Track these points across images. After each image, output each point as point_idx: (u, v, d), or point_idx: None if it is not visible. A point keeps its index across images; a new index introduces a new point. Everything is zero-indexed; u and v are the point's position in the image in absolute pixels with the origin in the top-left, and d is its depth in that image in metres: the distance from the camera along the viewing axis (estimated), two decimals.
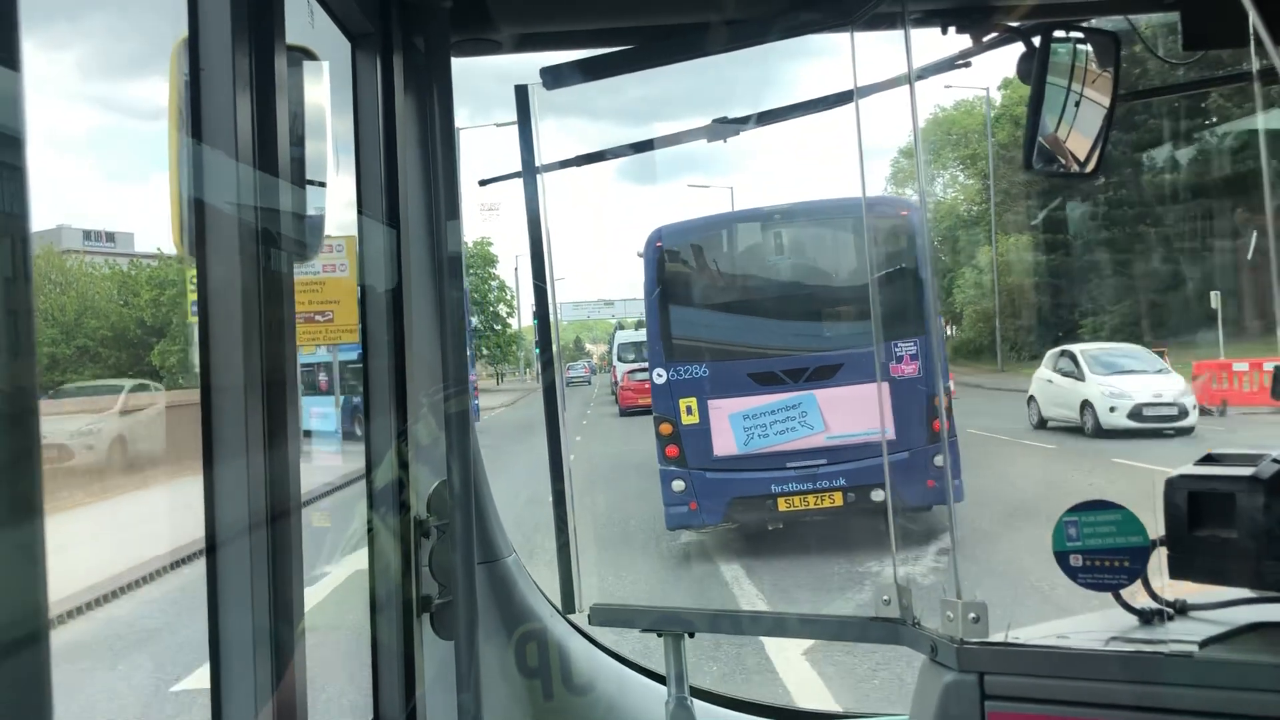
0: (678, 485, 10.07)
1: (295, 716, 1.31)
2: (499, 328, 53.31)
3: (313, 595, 1.46)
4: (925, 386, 9.79)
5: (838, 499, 9.91)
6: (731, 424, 10.36)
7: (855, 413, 9.95)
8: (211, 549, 1.26)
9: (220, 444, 1.25)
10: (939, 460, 9.32)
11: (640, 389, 28.44)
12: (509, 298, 53.74)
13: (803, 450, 10.16)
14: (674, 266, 10.71)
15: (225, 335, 1.26)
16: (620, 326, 52.29)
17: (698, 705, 1.96)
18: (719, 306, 10.73)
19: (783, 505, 10.19)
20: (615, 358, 38.44)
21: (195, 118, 1.26)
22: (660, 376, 10.25)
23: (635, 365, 32.24)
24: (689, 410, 10.18)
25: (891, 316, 10.12)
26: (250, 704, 1.26)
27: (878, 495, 9.67)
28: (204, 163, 1.26)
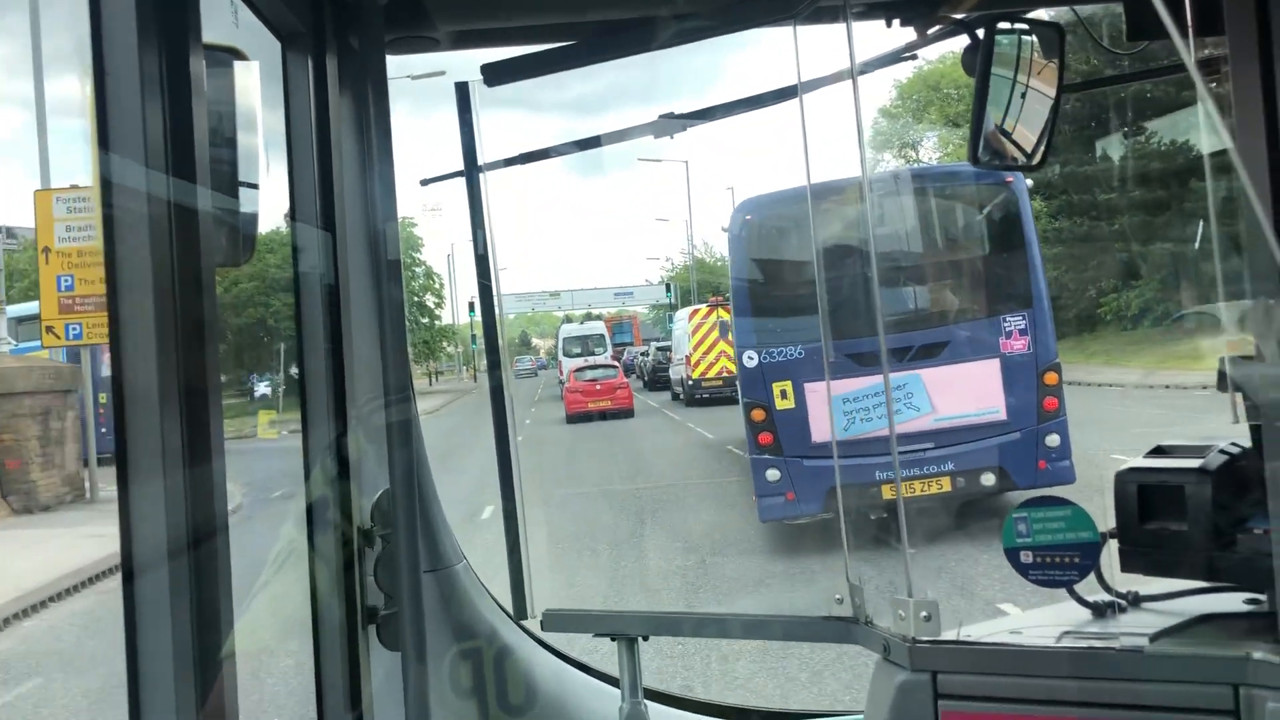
0: (772, 475, 10.12)
1: None
2: (425, 319, 49.63)
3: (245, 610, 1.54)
4: (1036, 362, 9.64)
5: (946, 484, 9.86)
6: (831, 408, 10.36)
7: (964, 392, 9.86)
8: (128, 570, 1.28)
9: (136, 455, 1.28)
10: (1051, 440, 9.17)
11: (590, 391, 26.34)
12: (437, 286, 51.23)
13: (909, 434, 10.08)
14: (764, 241, 10.71)
15: (140, 342, 1.29)
16: (568, 319, 50.81)
17: (652, 708, 2.05)
18: (814, 282, 10.71)
19: (888, 493, 10.16)
20: (561, 353, 36.59)
21: (102, 120, 1.29)
22: (751, 359, 10.29)
23: (583, 362, 30.74)
24: (783, 394, 10.20)
25: (998, 289, 9.97)
26: None
27: (987, 479, 9.59)
28: (112, 166, 1.30)
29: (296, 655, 1.98)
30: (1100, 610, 1.71)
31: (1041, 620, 1.74)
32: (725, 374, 23.41)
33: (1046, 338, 9.75)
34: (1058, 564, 1.71)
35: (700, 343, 25.20)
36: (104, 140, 1.30)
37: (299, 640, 1.95)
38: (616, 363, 31.86)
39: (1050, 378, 9.79)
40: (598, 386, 26.69)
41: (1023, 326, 9.79)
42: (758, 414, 10.27)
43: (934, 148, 39.86)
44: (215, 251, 1.42)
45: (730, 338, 24.40)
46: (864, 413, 10.20)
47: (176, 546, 1.30)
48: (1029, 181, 10.60)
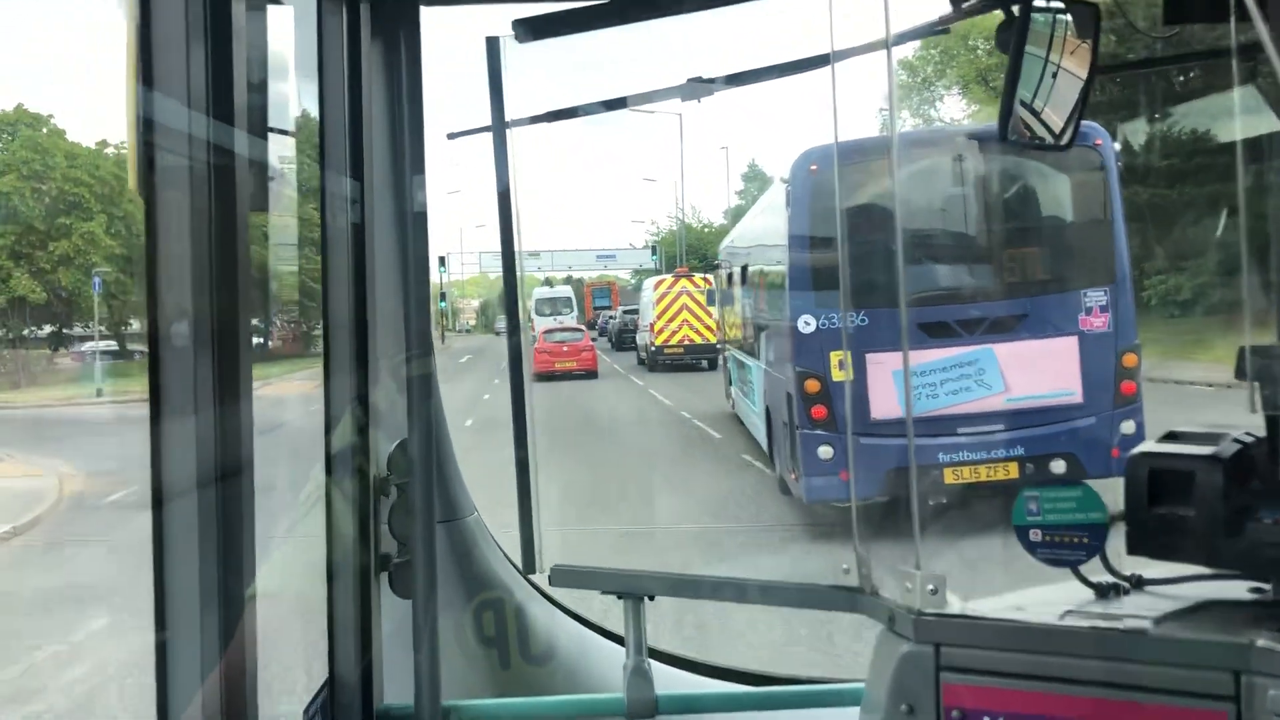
0: (825, 452, 9.89)
1: (245, 677, 1.45)
2: None
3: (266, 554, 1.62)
4: (1115, 342, 9.51)
5: (1013, 470, 9.76)
6: (895, 382, 10.21)
7: (1039, 371, 9.74)
8: (158, 504, 1.39)
9: (168, 392, 1.38)
10: (1127, 427, 9.08)
11: (557, 352, 28.22)
12: None
13: (977, 414, 9.95)
14: (829, 195, 10.17)
15: (175, 282, 1.38)
16: (549, 282, 50.68)
17: (656, 668, 2.14)
18: (883, 244, 10.38)
19: (949, 477, 10.04)
20: (534, 313, 37.46)
21: (146, 63, 1.37)
22: (808, 325, 10.02)
23: (554, 323, 32.94)
24: (841, 365, 9.84)
25: (1082, 260, 9.82)
26: (196, 664, 1.39)
27: (1058, 466, 9.51)
28: (156, 109, 1.38)
29: (310, 598, 2.13)
30: (1104, 591, 1.78)
31: (1046, 598, 1.81)
32: (686, 342, 26.73)
33: (1128, 316, 9.59)
34: (1065, 544, 1.79)
35: (664, 311, 27.18)
36: (147, 79, 1.38)
37: (313, 582, 2.07)
38: (583, 328, 34.53)
39: (1129, 359, 9.62)
40: (564, 348, 28.78)
41: (1104, 303, 9.62)
42: (811, 385, 10.01)
43: (959, 105, 38.91)
44: (249, 196, 1.51)
45: (710, 306, 24.95)
46: (930, 388, 10.05)
47: (205, 481, 1.41)
48: (1117, 146, 10.34)
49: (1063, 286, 10.00)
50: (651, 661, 2.15)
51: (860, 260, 10.19)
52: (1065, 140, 1.97)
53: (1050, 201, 10.43)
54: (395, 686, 2.17)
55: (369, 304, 2.07)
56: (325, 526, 2.05)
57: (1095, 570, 1.83)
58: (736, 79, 2.26)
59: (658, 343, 27.68)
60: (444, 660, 2.10)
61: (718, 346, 25.18)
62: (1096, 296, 9.65)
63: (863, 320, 9.94)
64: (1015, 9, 1.95)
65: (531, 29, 2.08)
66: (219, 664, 1.43)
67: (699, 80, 2.22)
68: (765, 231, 13.09)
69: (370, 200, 2.08)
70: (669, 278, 28.61)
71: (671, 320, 27.23)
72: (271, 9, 1.64)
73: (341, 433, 2.05)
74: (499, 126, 2.20)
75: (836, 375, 10.03)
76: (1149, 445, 1.80)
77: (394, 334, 2.15)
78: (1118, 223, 9.85)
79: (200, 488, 1.42)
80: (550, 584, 2.25)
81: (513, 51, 2.13)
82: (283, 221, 2.15)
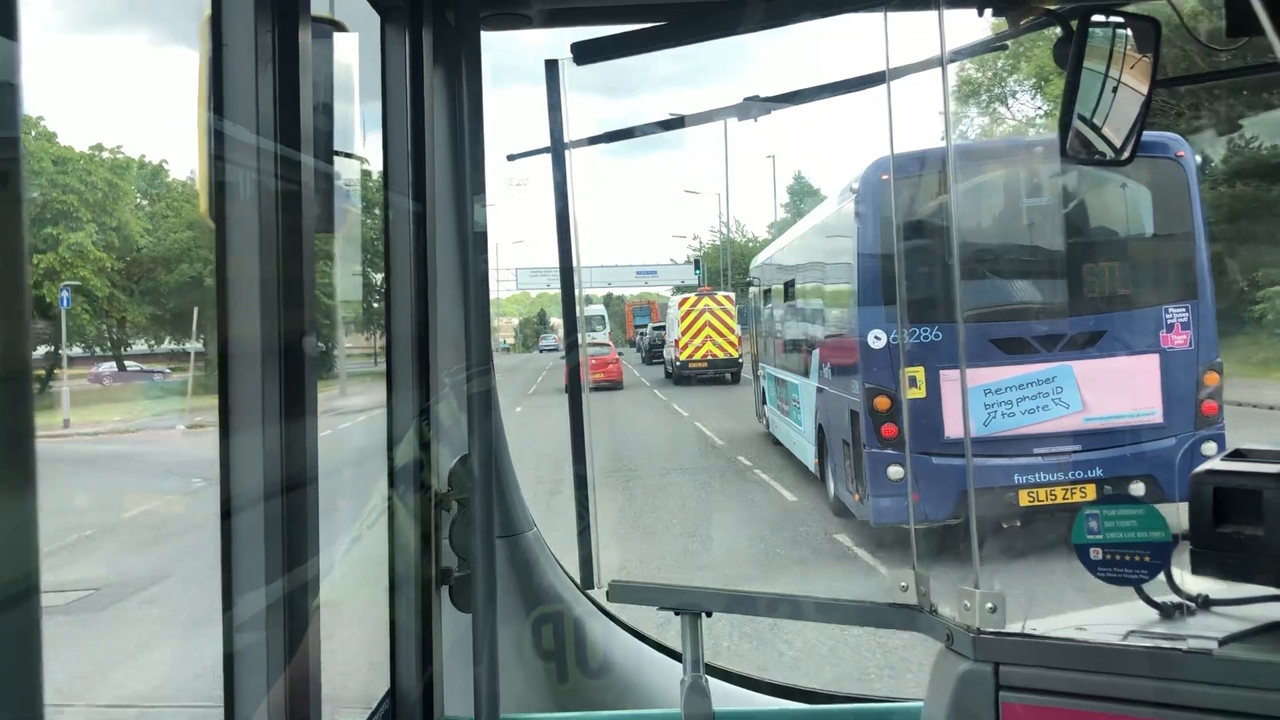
0: (895, 472, 9.67)
1: (309, 686, 1.50)
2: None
3: (331, 565, 1.68)
4: (1197, 360, 9.29)
5: (1090, 492, 9.53)
6: (970, 399, 10.03)
7: (1119, 389, 9.53)
8: (226, 515, 1.45)
9: (236, 412, 1.44)
10: (1208, 449, 8.82)
11: (586, 364, 30.24)
12: None
13: (1054, 434, 9.73)
14: (902, 205, 10.11)
15: (244, 304, 1.44)
16: (589, 300, 52.23)
17: (714, 684, 2.15)
18: (957, 256, 10.22)
19: (1024, 499, 9.84)
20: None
21: (217, 91, 1.43)
22: (878, 340, 9.87)
23: (583, 339, 35.44)
24: (913, 382, 9.58)
25: (1162, 275, 9.60)
26: (263, 673, 1.44)
27: (1137, 488, 9.26)
28: (226, 135, 1.43)
29: (372, 609, 2.19)
30: (1168, 611, 1.76)
31: (1108, 618, 1.80)
32: (709, 357, 28.84)
33: (1210, 333, 9.36)
34: (1127, 562, 1.78)
35: (689, 328, 29.19)
36: (218, 107, 1.44)
37: (375, 594, 2.12)
38: (610, 343, 38.42)
39: (1211, 378, 9.40)
40: (593, 360, 31.78)
41: (1185, 319, 9.41)
42: (881, 402, 9.82)
43: (1029, 104, 37.79)
44: (314, 218, 1.57)
45: (733, 323, 26.86)
46: (1006, 406, 9.86)
47: (272, 493, 1.47)
48: (1198, 158, 10.08)
49: (1143, 302, 9.79)
50: (709, 678, 2.16)
51: (931, 273, 9.94)
52: (1125, 155, 1.96)
53: (1130, 214, 10.22)
54: (454, 699, 2.21)
55: (431, 322, 2.12)
56: (388, 540, 2.09)
57: (1160, 590, 1.81)
58: (792, 97, 2.28)
59: (682, 357, 29.57)
60: (503, 673, 2.13)
61: (739, 361, 26.98)
62: (1178, 313, 9.44)
63: (937, 335, 9.78)
64: (1073, 24, 1.94)
65: (589, 52, 2.13)
66: (284, 672, 1.47)
67: (755, 99, 2.25)
68: (823, 244, 12.86)
69: (432, 220, 2.13)
70: (692, 296, 30.80)
71: (695, 336, 29.11)
72: (337, 36, 1.70)
73: (404, 448, 2.10)
74: (558, 147, 2.25)
75: (909, 392, 9.84)
76: (1214, 463, 1.78)
77: (455, 351, 2.20)
78: (1199, 236, 9.64)
79: (267, 499, 1.47)
80: (608, 599, 2.26)
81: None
82: (348, 242, 2.21)
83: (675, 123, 2.34)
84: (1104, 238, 10.12)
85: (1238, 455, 1.78)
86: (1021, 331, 9.84)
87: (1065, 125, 1.95)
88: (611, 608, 2.45)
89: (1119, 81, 1.94)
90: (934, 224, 10.10)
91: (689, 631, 2.14)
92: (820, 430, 12.74)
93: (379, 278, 2.14)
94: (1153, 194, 9.77)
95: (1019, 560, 9.62)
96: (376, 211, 2.16)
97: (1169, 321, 9.46)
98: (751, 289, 21.39)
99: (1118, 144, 1.96)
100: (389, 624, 2.09)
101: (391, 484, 2.10)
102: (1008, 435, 9.80)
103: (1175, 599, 1.78)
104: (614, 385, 31.93)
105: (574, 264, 2.34)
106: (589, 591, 2.44)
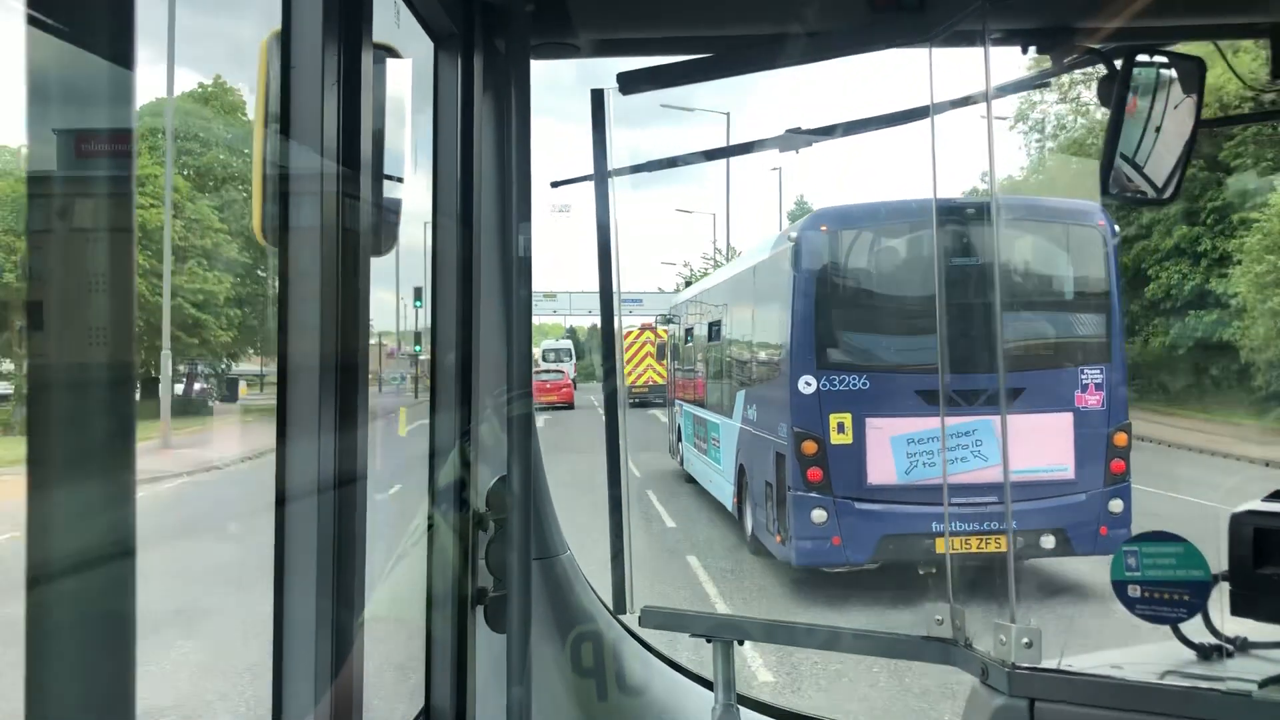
0: (818, 516, 9.84)
1: (352, 701, 1.50)
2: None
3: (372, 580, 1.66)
4: (1107, 421, 9.62)
5: (1003, 543, 9.73)
6: (893, 447, 10.20)
7: (1035, 445, 9.79)
8: (280, 529, 1.45)
9: (293, 427, 1.45)
10: (1115, 506, 9.13)
11: (542, 388, 36.52)
12: None
13: (972, 485, 9.94)
14: (837, 257, 10.29)
15: (302, 323, 1.45)
16: (572, 331, 54.60)
17: (745, 714, 2.15)
18: (887, 309, 10.34)
19: (940, 547, 10.01)
20: (541, 359, 45.32)
21: (284, 112, 1.45)
22: (808, 386, 10.03)
23: (544, 367, 41.77)
24: (840, 428, 9.84)
25: (1079, 338, 9.95)
26: (310, 687, 1.44)
27: (1047, 541, 9.52)
28: (289, 156, 1.46)
29: (408, 627, 2.14)
30: (1206, 652, 1.78)
31: (1145, 657, 1.81)
32: (650, 383, 31.70)
33: (1120, 395, 9.69)
34: (1165, 600, 1.78)
35: (632, 357, 32.29)
36: (285, 129, 1.45)
37: (412, 612, 2.11)
38: (564, 370, 43.91)
39: (1120, 439, 9.70)
40: (548, 385, 38.34)
41: (1099, 381, 9.72)
42: (809, 446, 9.94)
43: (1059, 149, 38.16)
44: (370, 242, 1.59)
45: (660, 360, 27.45)
46: (929, 456, 10.06)
47: (325, 511, 1.47)
48: (1118, 231, 10.53)
49: (1060, 363, 10.12)
50: (740, 707, 2.15)
51: (866, 324, 10.18)
52: (1168, 194, 2.01)
53: (1053, 278, 10.58)
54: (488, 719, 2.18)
55: (473, 345, 2.12)
56: (426, 558, 2.08)
57: (1197, 631, 1.82)
58: (833, 130, 2.30)
59: (627, 383, 31.15)
60: (537, 692, 2.11)
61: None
62: (1093, 374, 9.75)
63: (863, 384, 9.99)
64: (1117, 63, 1.99)
65: (635, 81, 2.14)
66: (330, 688, 1.47)
67: (797, 131, 2.26)
68: (753, 289, 13.01)
69: (478, 245, 2.13)
70: (634, 329, 33.91)
71: (638, 365, 32.23)
72: (391, 62, 1.71)
73: (446, 468, 2.09)
74: (601, 175, 2.26)
75: (835, 438, 10.00)
76: (1253, 504, 1.79)
77: (496, 374, 2.20)
78: (1115, 303, 10.00)
79: (320, 516, 1.47)
80: (640, 624, 2.26)
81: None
82: (395, 264, 2.18)
83: (718, 152, 2.36)
84: (1027, 299, 10.44)
85: (1278, 496, 1.80)
86: (947, 385, 10.05)
87: (1107, 163, 1.99)
88: (643, 633, 2.43)
89: (1163, 120, 1.99)
90: (867, 276, 10.38)
91: (721, 658, 2.14)
92: (741, 470, 12.82)
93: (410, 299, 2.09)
94: (1074, 260, 10.15)
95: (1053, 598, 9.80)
96: (425, 236, 2.16)
97: (1084, 382, 9.75)
98: (670, 325, 21.62)
99: (1159, 183, 2.01)
100: (425, 641, 2.07)
101: (432, 502, 2.09)
102: (929, 484, 9.99)
103: (1213, 640, 1.79)
104: (566, 405, 37.65)
105: (614, 291, 2.35)
106: (620, 616, 2.43)
